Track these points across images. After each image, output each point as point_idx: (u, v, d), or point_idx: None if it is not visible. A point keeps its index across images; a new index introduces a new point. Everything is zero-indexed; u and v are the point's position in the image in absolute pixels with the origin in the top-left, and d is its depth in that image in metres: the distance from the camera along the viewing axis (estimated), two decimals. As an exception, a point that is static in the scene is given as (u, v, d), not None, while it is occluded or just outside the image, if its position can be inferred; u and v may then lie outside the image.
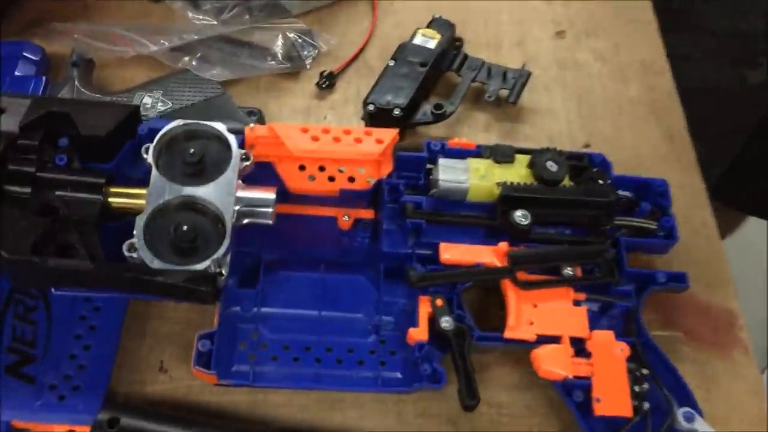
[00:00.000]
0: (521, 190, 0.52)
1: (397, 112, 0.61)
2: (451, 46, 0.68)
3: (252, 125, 0.53)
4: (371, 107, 0.62)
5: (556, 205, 0.52)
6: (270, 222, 0.51)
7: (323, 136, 0.53)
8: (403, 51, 0.66)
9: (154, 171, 0.49)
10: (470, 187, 0.53)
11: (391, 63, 0.65)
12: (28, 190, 0.47)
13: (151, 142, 0.51)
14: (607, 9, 0.75)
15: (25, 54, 0.61)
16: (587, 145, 0.65)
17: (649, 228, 0.54)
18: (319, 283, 0.53)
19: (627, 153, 0.64)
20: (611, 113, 0.67)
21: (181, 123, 0.51)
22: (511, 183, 0.53)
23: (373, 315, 0.51)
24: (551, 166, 0.53)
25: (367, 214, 0.56)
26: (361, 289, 0.53)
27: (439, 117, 0.63)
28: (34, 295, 0.50)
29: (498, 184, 0.53)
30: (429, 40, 0.66)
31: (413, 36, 0.67)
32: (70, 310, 0.51)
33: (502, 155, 0.54)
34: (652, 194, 0.56)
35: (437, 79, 0.67)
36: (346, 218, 0.55)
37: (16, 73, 0.60)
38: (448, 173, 0.53)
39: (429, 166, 0.55)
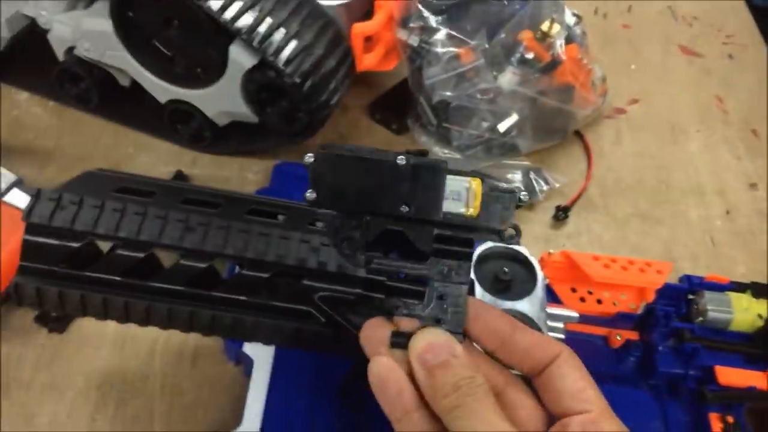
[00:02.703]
0: (787, 323, 0.59)
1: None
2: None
3: (550, 252, 0.61)
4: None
5: (816, 338, 0.59)
6: (563, 336, 0.58)
7: (612, 265, 0.61)
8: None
9: (478, 287, 0.57)
10: (734, 319, 0.60)
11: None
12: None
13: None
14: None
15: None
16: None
17: None
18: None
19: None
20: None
21: (492, 246, 0.59)
22: (775, 317, 0.60)
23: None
24: (807, 304, 0.61)
25: (633, 335, 0.63)
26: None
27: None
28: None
29: (760, 316, 0.60)
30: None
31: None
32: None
33: (760, 292, 0.62)
34: None
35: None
36: (618, 338, 0.62)
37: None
38: (715, 304, 0.61)
39: (690, 296, 0.63)
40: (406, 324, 0.37)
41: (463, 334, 0.36)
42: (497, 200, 0.35)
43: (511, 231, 0.36)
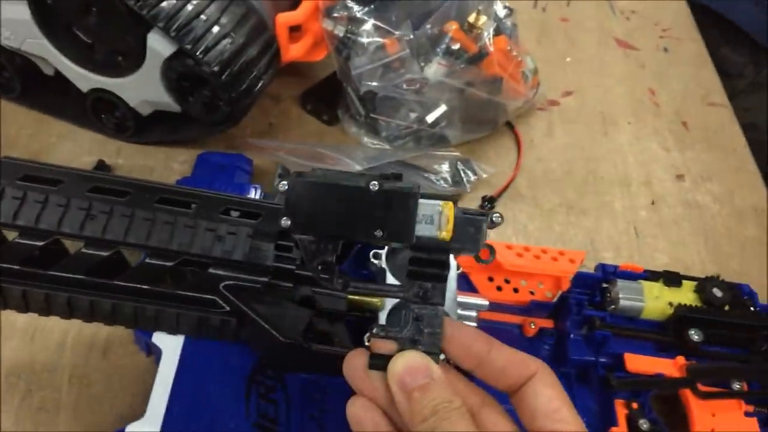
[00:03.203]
0: (695, 312, 0.60)
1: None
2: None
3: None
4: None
5: (724, 326, 0.60)
6: (475, 324, 0.59)
7: (525, 254, 0.61)
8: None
9: (389, 276, 0.57)
10: (645, 307, 0.61)
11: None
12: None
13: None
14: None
15: (239, 165, 0.70)
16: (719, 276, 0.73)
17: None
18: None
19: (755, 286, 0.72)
20: (736, 250, 0.76)
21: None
22: (685, 305, 0.61)
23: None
24: (717, 292, 0.62)
25: (548, 323, 0.64)
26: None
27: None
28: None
29: (671, 304, 0.61)
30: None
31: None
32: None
33: (671, 281, 0.63)
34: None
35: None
36: (532, 326, 0.63)
37: (236, 181, 0.68)
38: (627, 293, 0.62)
39: (604, 285, 0.63)
40: (382, 346, 0.37)
41: (440, 355, 0.37)
42: (470, 223, 0.36)
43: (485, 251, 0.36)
